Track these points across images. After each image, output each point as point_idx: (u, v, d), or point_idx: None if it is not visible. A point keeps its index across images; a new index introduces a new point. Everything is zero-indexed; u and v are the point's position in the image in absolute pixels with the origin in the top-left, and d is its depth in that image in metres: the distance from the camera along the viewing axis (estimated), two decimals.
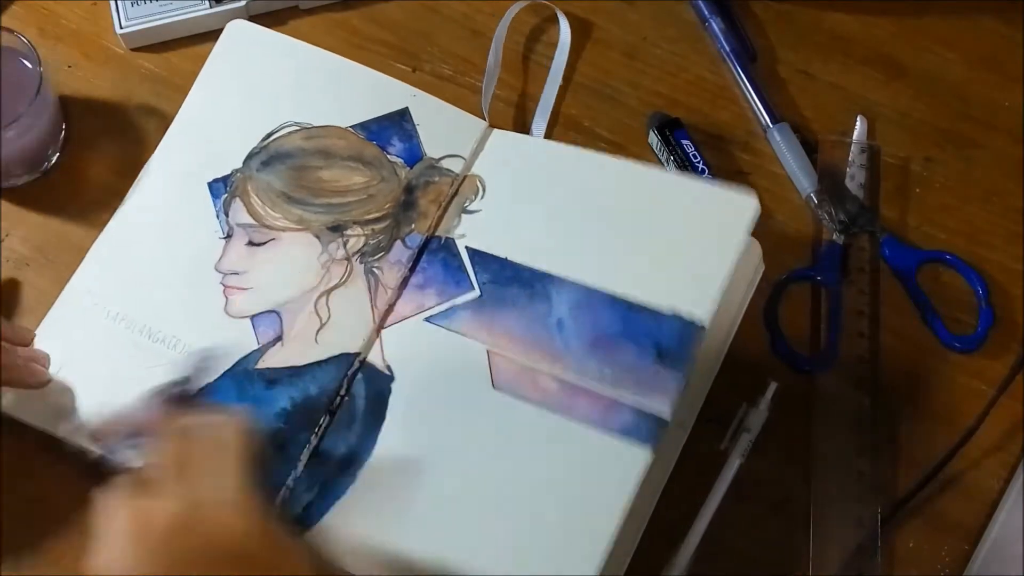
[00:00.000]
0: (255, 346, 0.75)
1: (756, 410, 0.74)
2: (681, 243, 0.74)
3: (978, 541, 0.74)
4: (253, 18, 0.86)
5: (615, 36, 0.87)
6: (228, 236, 0.77)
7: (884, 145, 0.84)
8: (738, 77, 0.85)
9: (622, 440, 0.69)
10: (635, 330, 0.72)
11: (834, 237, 0.80)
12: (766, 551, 0.73)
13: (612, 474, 0.69)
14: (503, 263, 0.75)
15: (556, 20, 0.87)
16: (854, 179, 0.82)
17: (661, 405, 0.70)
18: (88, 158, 0.82)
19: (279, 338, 0.75)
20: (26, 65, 0.79)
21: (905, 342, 0.79)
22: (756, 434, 0.74)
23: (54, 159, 0.82)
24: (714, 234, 0.74)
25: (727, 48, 0.85)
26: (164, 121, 0.81)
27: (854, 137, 0.83)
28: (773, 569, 0.73)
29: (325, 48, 0.85)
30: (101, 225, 0.80)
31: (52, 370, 0.74)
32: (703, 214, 0.75)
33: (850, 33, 0.87)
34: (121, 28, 0.84)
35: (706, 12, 0.86)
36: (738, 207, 0.74)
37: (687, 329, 0.71)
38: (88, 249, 0.79)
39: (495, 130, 0.81)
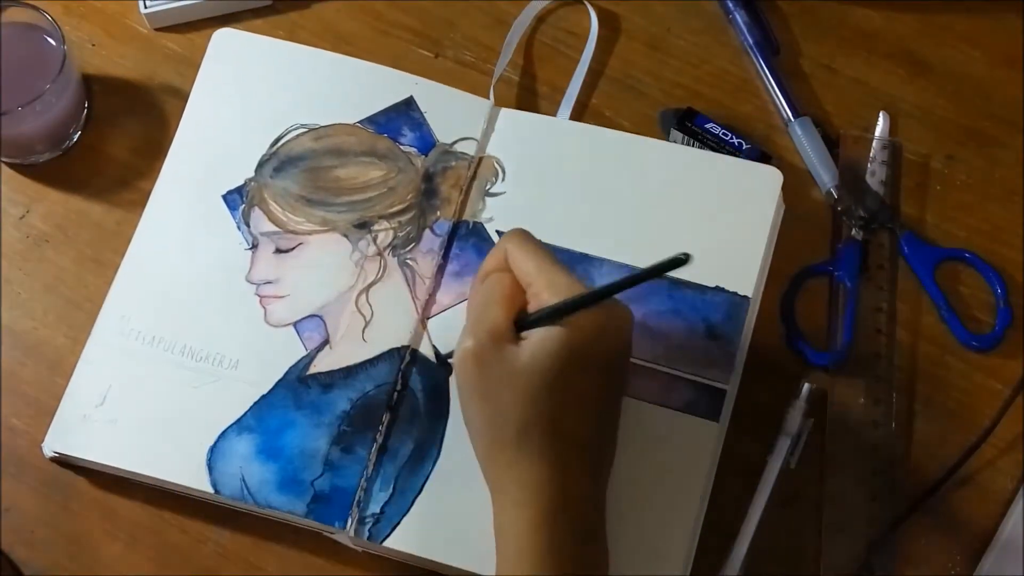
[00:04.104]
0: (303, 353, 0.74)
1: (792, 412, 0.75)
2: (712, 218, 0.76)
3: (990, 541, 0.73)
4: (279, 2, 0.86)
5: (639, 27, 0.87)
6: (254, 246, 0.77)
7: (906, 142, 0.83)
8: (761, 70, 0.85)
9: (688, 415, 0.71)
10: (682, 307, 0.74)
11: (853, 233, 0.80)
12: (776, 545, 0.73)
13: (685, 449, 0.71)
14: None
15: (578, 8, 0.87)
16: (875, 175, 0.82)
17: (718, 378, 0.72)
18: (110, 136, 0.83)
19: (326, 342, 0.75)
20: (50, 42, 0.79)
21: (922, 340, 0.78)
22: (795, 436, 0.74)
23: (76, 137, 0.82)
24: (744, 209, 0.76)
25: (750, 41, 0.85)
26: (186, 101, 0.81)
27: (876, 133, 0.83)
28: (783, 564, 0.73)
29: (349, 33, 0.86)
30: (122, 204, 0.80)
31: (98, 399, 0.74)
32: (730, 189, 0.77)
33: (874, 28, 0.87)
34: (146, 8, 0.85)
35: (730, 4, 0.86)
36: (763, 181, 0.77)
37: (733, 303, 0.74)
38: (108, 227, 0.80)
39: (502, 109, 0.81)
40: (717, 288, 0.74)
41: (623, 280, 0.64)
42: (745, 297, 0.74)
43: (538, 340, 0.63)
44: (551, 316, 0.63)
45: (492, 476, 0.65)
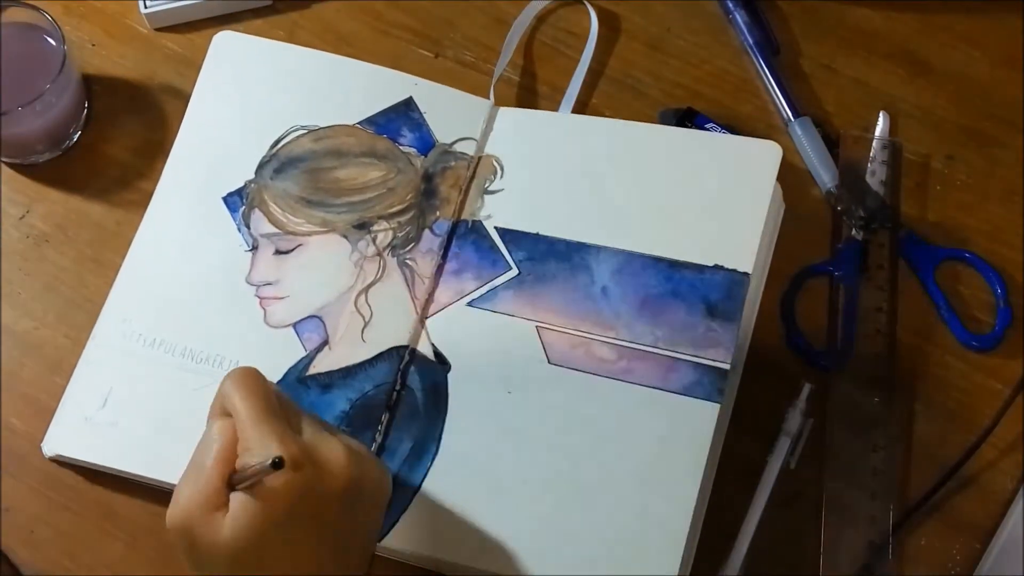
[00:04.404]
0: (302, 353, 0.75)
1: (792, 412, 0.75)
2: (711, 197, 0.76)
3: (990, 540, 0.73)
4: (279, 2, 0.86)
5: (639, 27, 0.87)
6: (254, 248, 0.77)
7: (906, 142, 0.83)
8: (761, 70, 0.85)
9: (688, 397, 0.71)
10: (681, 288, 0.74)
11: (853, 233, 0.80)
12: (776, 545, 0.73)
13: (685, 432, 0.71)
14: (536, 238, 0.76)
15: (578, 8, 0.87)
16: (875, 175, 0.82)
17: (720, 357, 0.72)
18: (110, 136, 0.83)
19: (325, 342, 0.75)
20: (50, 42, 0.79)
21: (922, 340, 0.78)
22: (795, 436, 0.74)
23: (76, 137, 0.82)
24: (742, 184, 0.76)
25: (750, 41, 0.85)
26: (186, 102, 0.81)
27: (876, 133, 0.83)
28: (783, 564, 0.73)
29: (349, 33, 0.86)
30: (122, 204, 0.80)
31: (99, 401, 0.73)
32: (727, 166, 0.77)
33: (874, 28, 0.87)
34: (146, 8, 0.85)
35: (730, 4, 0.86)
36: (762, 155, 0.76)
37: (732, 280, 0.73)
38: (108, 227, 0.80)
39: (501, 108, 0.81)
40: (716, 267, 0.74)
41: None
42: (745, 274, 0.73)
43: (235, 513, 0.58)
44: (253, 481, 0.58)
45: None
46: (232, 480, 0.59)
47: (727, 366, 0.72)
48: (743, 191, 0.76)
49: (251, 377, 0.61)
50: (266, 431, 0.58)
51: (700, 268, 0.74)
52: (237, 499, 0.58)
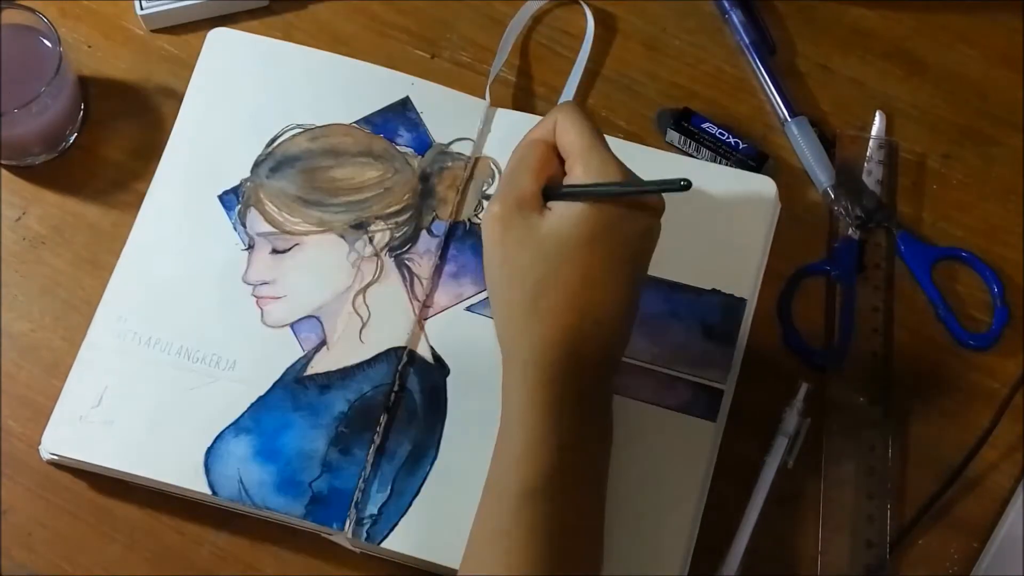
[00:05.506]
0: (300, 354, 0.74)
1: (789, 412, 0.75)
2: (709, 224, 0.77)
3: (988, 539, 0.73)
4: (275, 3, 0.86)
5: (635, 27, 0.87)
6: (250, 247, 0.77)
7: (902, 141, 0.83)
8: (757, 70, 0.85)
9: (684, 415, 0.72)
10: (679, 309, 0.74)
11: (850, 232, 0.80)
12: (774, 545, 0.73)
13: (682, 448, 0.71)
14: None
15: (574, 8, 0.87)
16: (871, 174, 0.82)
17: (716, 377, 0.72)
18: (106, 138, 0.83)
19: (323, 343, 0.75)
20: (46, 44, 0.79)
21: (919, 339, 0.78)
22: (792, 436, 0.74)
23: (72, 139, 0.82)
24: (740, 216, 0.77)
25: (746, 40, 0.85)
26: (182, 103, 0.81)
27: (872, 132, 0.83)
28: (781, 563, 0.73)
29: (346, 34, 0.86)
30: (118, 206, 0.80)
31: (94, 400, 0.73)
32: (726, 197, 0.77)
33: (870, 28, 0.87)
34: (142, 9, 0.84)
35: (726, 4, 0.86)
36: (758, 190, 0.77)
37: (730, 304, 0.74)
38: (104, 229, 0.80)
39: (498, 109, 0.81)
40: (714, 291, 0.74)
41: (648, 184, 0.63)
42: (742, 299, 0.74)
43: (562, 210, 0.63)
44: (577, 195, 0.63)
45: (506, 340, 0.64)
46: (550, 190, 0.64)
47: (723, 387, 0.72)
48: (741, 223, 0.77)
49: (580, 110, 0.66)
50: (600, 152, 0.64)
51: (698, 291, 0.74)
52: (566, 204, 0.63)
